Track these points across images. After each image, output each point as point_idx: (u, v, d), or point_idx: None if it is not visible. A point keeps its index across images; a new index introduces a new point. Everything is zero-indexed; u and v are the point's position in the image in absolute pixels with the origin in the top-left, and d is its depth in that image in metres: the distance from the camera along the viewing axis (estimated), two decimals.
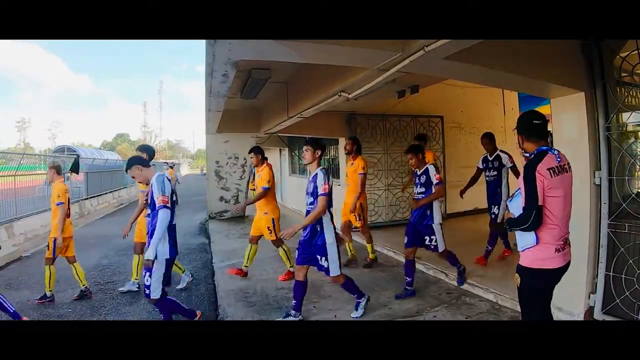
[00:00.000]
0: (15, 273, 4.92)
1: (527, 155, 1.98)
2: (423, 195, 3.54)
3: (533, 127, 1.95)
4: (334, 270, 2.95)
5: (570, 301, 2.84)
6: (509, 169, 4.28)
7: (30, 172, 8.59)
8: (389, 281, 4.15)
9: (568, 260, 1.95)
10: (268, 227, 4.18)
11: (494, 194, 4.31)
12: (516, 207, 1.93)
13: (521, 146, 2.01)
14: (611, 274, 2.70)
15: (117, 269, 4.99)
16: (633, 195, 2.63)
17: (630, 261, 2.60)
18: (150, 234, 2.64)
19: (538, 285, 1.94)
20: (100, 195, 12.72)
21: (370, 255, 4.76)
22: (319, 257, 2.95)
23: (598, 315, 2.76)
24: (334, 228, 3.04)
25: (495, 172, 4.30)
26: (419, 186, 3.59)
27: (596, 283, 2.78)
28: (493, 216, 4.28)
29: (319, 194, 2.90)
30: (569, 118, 2.90)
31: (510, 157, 4.28)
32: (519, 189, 1.91)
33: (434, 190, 3.50)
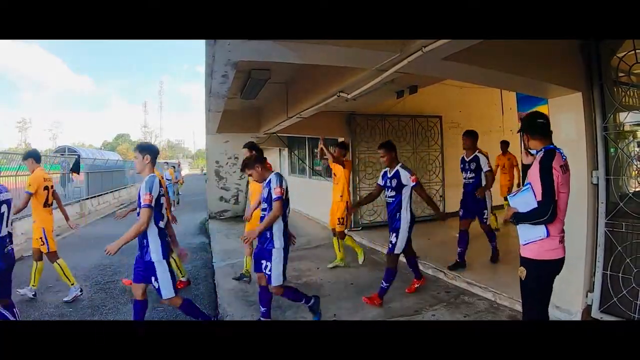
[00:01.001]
0: (17, 272, 4.92)
1: (534, 153, 2.11)
2: (265, 214, 2.93)
3: (537, 126, 2.08)
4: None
5: (568, 300, 2.86)
6: (412, 188, 3.42)
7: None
8: None
9: (565, 252, 2.06)
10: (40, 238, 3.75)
11: (393, 218, 3.46)
12: (523, 202, 2.00)
13: (526, 145, 2.13)
14: (608, 272, 2.71)
15: (118, 268, 5.01)
16: (630, 194, 2.64)
17: (628, 260, 2.61)
18: None
19: (543, 277, 2.02)
20: (101, 195, 12.73)
21: (246, 268, 4.26)
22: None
23: (596, 313, 2.77)
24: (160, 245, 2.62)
25: (393, 192, 3.45)
26: (262, 202, 3.03)
27: (594, 282, 2.79)
28: (390, 246, 3.43)
29: (141, 205, 2.52)
30: (566, 118, 2.91)
31: (411, 173, 3.42)
32: (528, 184, 1.98)
33: (273, 208, 2.83)
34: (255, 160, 3.09)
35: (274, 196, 2.84)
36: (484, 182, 4.17)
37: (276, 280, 2.86)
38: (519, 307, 3.10)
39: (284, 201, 2.90)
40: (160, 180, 2.67)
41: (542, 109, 3.44)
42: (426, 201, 3.60)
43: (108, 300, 3.86)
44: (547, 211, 1.89)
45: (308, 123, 5.84)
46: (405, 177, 3.41)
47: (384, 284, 3.40)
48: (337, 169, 4.71)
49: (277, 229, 2.88)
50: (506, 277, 3.60)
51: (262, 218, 2.96)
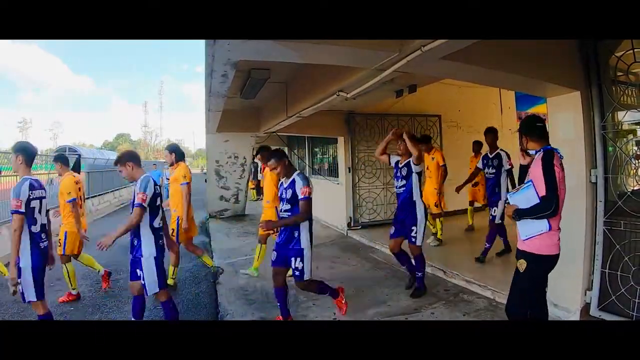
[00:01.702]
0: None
1: (533, 153, 2.22)
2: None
3: (536, 129, 2.19)
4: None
5: (567, 298, 2.88)
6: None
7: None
8: (387, 279, 4.19)
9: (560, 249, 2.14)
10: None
11: (290, 238, 2.93)
12: (524, 199, 2.08)
13: (524, 146, 2.24)
14: (607, 271, 2.73)
15: (118, 267, 5.01)
16: (628, 193, 2.65)
17: (626, 258, 2.63)
18: None
19: (541, 271, 2.12)
20: (101, 194, 12.74)
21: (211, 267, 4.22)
22: None
23: (594, 311, 2.79)
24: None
25: (289, 206, 2.98)
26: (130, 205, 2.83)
27: (592, 280, 2.81)
28: (297, 273, 2.92)
29: (12, 211, 2.51)
30: (565, 117, 2.92)
31: (305, 184, 2.92)
32: (530, 181, 2.07)
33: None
34: (127, 156, 2.76)
35: (135, 202, 2.58)
36: (415, 189, 3.53)
37: (151, 289, 2.61)
38: None
39: (146, 208, 2.58)
40: (35, 182, 2.66)
41: (540, 108, 3.47)
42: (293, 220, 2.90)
43: (109, 299, 3.87)
44: (552, 205, 1.98)
45: (307, 122, 5.85)
46: (299, 188, 2.87)
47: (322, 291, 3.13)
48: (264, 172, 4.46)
49: (145, 237, 2.61)
50: (505, 276, 3.61)
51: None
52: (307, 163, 8.98)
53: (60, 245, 3.83)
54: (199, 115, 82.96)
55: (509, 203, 2.20)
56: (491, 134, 4.54)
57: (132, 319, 2.83)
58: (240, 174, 8.79)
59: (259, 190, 13.30)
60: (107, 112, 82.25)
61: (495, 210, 4.32)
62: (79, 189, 3.94)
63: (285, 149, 10.22)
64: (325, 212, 7.45)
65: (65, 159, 4.06)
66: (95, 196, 12.11)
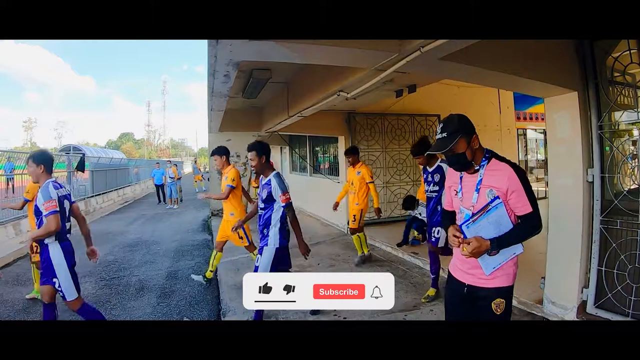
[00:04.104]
0: (22, 269, 5.02)
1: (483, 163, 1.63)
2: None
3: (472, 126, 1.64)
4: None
5: (564, 295, 2.90)
6: None
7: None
8: None
9: None
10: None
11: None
12: (493, 223, 1.56)
13: (473, 151, 1.60)
14: (603, 269, 2.75)
15: (122, 264, 5.09)
16: (624, 192, 2.68)
17: (622, 256, 2.65)
18: None
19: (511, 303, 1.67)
20: (105, 193, 12.83)
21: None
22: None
23: (591, 309, 2.81)
24: None
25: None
26: None
27: (589, 278, 2.83)
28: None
29: None
30: (562, 117, 2.94)
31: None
32: (497, 198, 1.54)
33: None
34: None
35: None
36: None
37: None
38: (516, 303, 3.15)
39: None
40: None
41: (538, 107, 3.48)
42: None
43: (113, 296, 3.93)
44: (540, 220, 1.56)
45: (308, 122, 5.90)
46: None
47: None
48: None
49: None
50: None
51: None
52: (308, 162, 9.03)
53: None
54: (200, 114, 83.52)
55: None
56: (262, 154, 2.84)
57: (132, 319, 2.83)
58: (242, 173, 8.86)
59: None
60: (110, 112, 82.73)
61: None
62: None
63: (287, 148, 10.29)
64: (326, 210, 7.48)
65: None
66: (100, 194, 12.22)
